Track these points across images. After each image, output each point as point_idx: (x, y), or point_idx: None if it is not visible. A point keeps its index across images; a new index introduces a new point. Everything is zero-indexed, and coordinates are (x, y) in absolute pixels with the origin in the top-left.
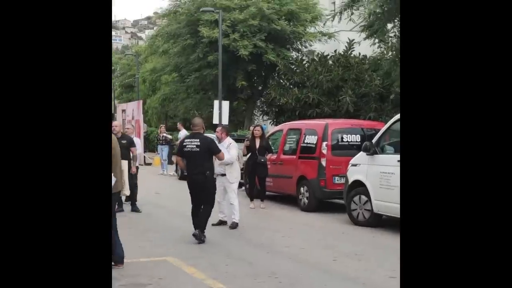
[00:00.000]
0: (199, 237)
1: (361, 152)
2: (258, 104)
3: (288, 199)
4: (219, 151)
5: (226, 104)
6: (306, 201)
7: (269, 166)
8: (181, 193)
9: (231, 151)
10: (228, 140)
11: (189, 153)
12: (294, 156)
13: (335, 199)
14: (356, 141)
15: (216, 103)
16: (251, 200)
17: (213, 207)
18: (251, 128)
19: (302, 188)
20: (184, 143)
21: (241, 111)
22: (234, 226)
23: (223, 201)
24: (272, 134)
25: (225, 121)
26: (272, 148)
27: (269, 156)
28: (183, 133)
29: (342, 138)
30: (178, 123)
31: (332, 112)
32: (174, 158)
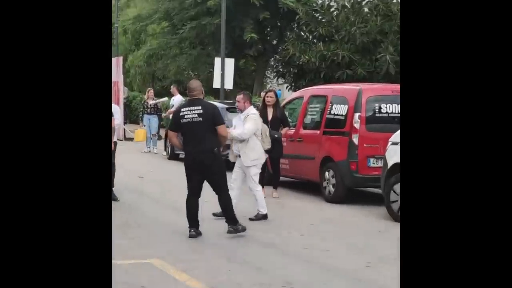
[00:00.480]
0: (197, 234)
1: None
2: (272, 63)
3: (308, 187)
4: (222, 122)
5: (230, 63)
6: (332, 189)
7: (284, 144)
8: (171, 177)
9: (246, 124)
10: (249, 110)
11: (189, 125)
12: (318, 131)
13: (369, 187)
14: (398, 113)
15: (217, 61)
16: (261, 187)
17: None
18: (262, 94)
19: (327, 173)
20: (182, 113)
21: (250, 73)
22: (260, 217)
23: (236, 187)
24: (289, 102)
25: (229, 84)
26: (289, 120)
27: (284, 130)
28: (178, 99)
29: (380, 108)
30: (172, 86)
31: (367, 74)
32: (163, 132)
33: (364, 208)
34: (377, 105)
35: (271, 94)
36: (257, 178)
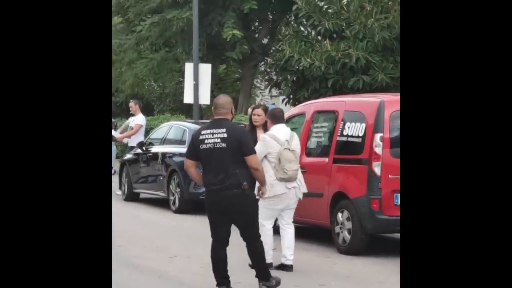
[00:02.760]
0: None
1: None
2: (262, 68)
3: (316, 234)
4: (252, 151)
5: (206, 70)
6: (348, 236)
7: None
8: (129, 225)
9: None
10: (271, 129)
11: (210, 152)
12: (326, 159)
13: (397, 232)
14: None
15: (188, 67)
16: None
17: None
18: (249, 111)
19: (340, 215)
20: (202, 136)
21: (232, 82)
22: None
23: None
24: (287, 120)
25: (205, 99)
26: None
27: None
28: (140, 119)
29: None
30: (131, 102)
31: (391, 81)
32: (115, 166)
33: (391, 262)
34: None
35: (259, 111)
36: (262, 218)
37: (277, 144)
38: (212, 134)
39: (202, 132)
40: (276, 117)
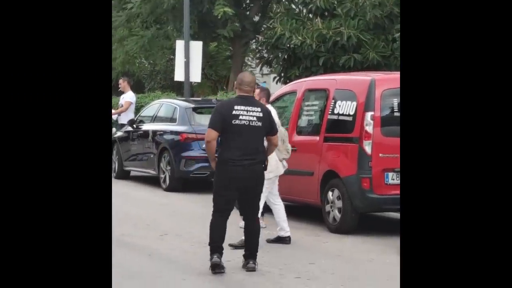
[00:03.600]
0: (221, 268)
1: None
2: (253, 46)
3: (306, 212)
4: (277, 131)
5: (197, 48)
6: (338, 215)
7: None
8: (120, 203)
9: None
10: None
11: (243, 128)
12: (317, 138)
13: (388, 211)
14: None
15: (179, 45)
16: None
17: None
18: None
19: (330, 193)
20: (235, 112)
21: (224, 60)
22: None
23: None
24: (278, 99)
25: (196, 76)
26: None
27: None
28: (129, 96)
29: (399, 106)
30: (121, 80)
31: (382, 60)
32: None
33: (381, 241)
34: (395, 101)
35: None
36: (265, 192)
37: (279, 123)
38: (247, 111)
39: (236, 107)
40: (269, 96)
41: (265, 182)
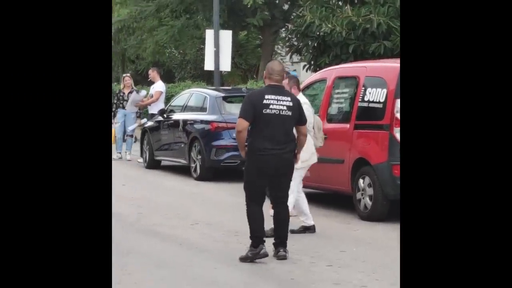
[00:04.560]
0: (284, 257)
1: None
2: (283, 35)
3: (337, 200)
4: (306, 120)
5: (227, 37)
6: (369, 202)
7: None
8: (151, 193)
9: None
10: (301, 97)
11: (274, 118)
12: (347, 125)
13: None
14: None
15: (209, 34)
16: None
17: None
18: None
19: (361, 181)
20: (266, 101)
21: (254, 48)
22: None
23: (299, 196)
24: (308, 86)
25: (226, 66)
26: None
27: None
28: (159, 86)
29: None
30: (151, 70)
31: None
32: (136, 133)
33: None
34: None
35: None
36: (298, 183)
37: (313, 111)
38: (277, 100)
39: (266, 96)
40: (299, 84)
41: (300, 170)
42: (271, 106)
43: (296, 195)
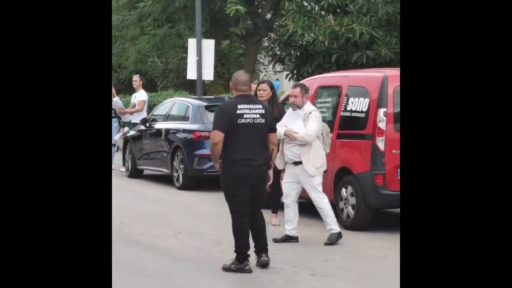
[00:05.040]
0: (267, 262)
1: None
2: (266, 44)
3: None
4: (276, 128)
5: (209, 46)
6: (352, 212)
7: None
8: (133, 202)
9: (309, 124)
10: (309, 107)
11: (248, 127)
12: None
13: None
14: None
15: (191, 43)
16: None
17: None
18: (253, 86)
19: (344, 190)
20: (240, 111)
21: (236, 58)
22: (334, 238)
23: (292, 205)
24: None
25: (209, 75)
26: None
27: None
28: (142, 95)
29: None
30: (138, 77)
31: (394, 56)
32: (118, 142)
33: (395, 237)
34: None
35: (264, 86)
36: (321, 188)
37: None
38: (250, 109)
39: (239, 106)
40: (307, 91)
41: (318, 177)
42: (245, 116)
43: (327, 199)
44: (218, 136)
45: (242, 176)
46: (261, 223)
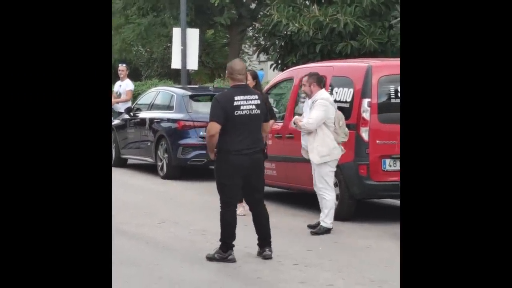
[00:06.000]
0: (270, 256)
1: None
2: (250, 34)
3: (303, 199)
4: (269, 119)
5: (194, 35)
6: (336, 202)
7: (269, 142)
8: (118, 191)
9: (312, 112)
10: (318, 94)
11: (245, 118)
12: None
13: (385, 198)
14: None
15: (176, 32)
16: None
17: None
18: None
19: None
20: (236, 102)
21: (221, 47)
22: (322, 231)
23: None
24: (275, 85)
25: (193, 64)
26: (275, 110)
27: (270, 124)
28: (127, 84)
29: (396, 92)
30: (122, 66)
31: (379, 46)
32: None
33: (378, 227)
34: (392, 88)
35: (248, 76)
36: (330, 180)
37: (333, 108)
38: (246, 100)
39: (236, 98)
40: (320, 81)
41: (324, 166)
42: (241, 108)
43: (333, 193)
44: (215, 128)
45: (237, 166)
46: (264, 215)
